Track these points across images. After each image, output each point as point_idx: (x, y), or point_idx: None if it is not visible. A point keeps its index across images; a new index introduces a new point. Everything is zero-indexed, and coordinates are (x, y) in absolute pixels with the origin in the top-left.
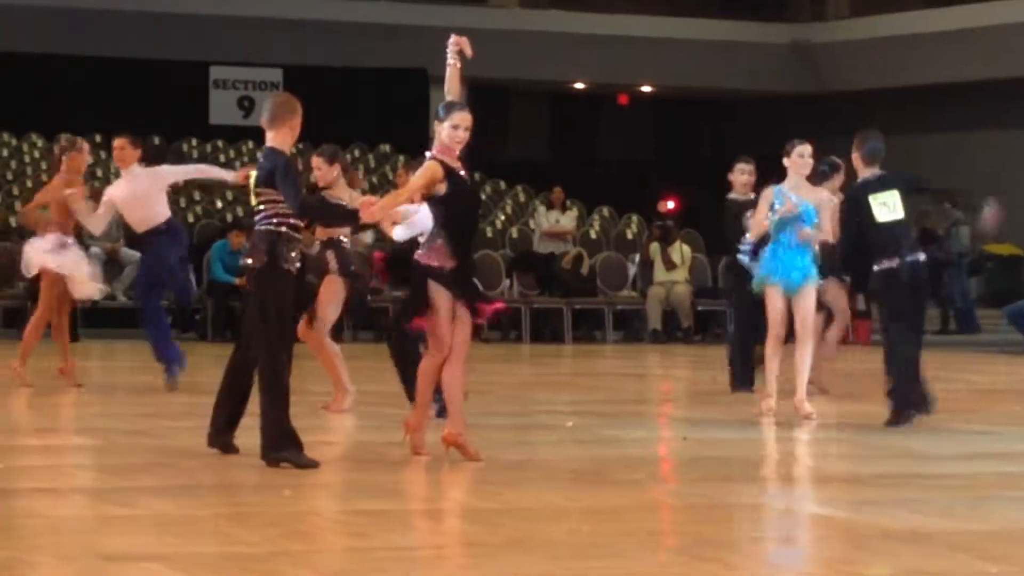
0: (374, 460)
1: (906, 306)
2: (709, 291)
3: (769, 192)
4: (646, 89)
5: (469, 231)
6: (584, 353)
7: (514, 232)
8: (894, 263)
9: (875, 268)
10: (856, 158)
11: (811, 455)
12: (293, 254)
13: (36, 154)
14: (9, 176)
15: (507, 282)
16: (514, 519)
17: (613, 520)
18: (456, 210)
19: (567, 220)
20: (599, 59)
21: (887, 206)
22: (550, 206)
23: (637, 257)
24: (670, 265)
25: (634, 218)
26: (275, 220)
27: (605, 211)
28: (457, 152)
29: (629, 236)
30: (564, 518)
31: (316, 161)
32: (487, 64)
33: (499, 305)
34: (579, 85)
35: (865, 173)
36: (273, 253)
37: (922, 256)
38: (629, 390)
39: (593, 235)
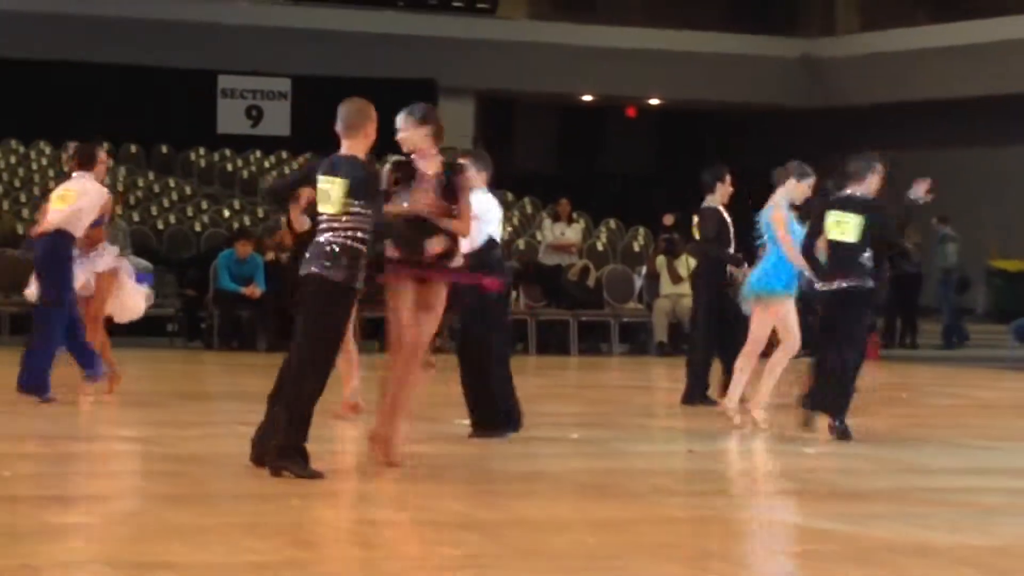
0: (382, 470)
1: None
2: None
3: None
4: (654, 102)
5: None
6: (590, 365)
7: (520, 244)
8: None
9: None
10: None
11: (817, 469)
12: (362, 275)
13: (43, 161)
14: (16, 183)
15: (513, 294)
16: (520, 530)
17: (619, 532)
18: None
19: (572, 233)
20: (607, 71)
21: (840, 225)
22: (556, 218)
23: (643, 269)
24: (676, 278)
25: (640, 231)
26: (358, 235)
27: (612, 223)
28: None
29: (635, 248)
30: (570, 530)
31: None
32: (494, 75)
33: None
34: (587, 97)
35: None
36: (351, 271)
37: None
38: (635, 402)
39: (600, 247)
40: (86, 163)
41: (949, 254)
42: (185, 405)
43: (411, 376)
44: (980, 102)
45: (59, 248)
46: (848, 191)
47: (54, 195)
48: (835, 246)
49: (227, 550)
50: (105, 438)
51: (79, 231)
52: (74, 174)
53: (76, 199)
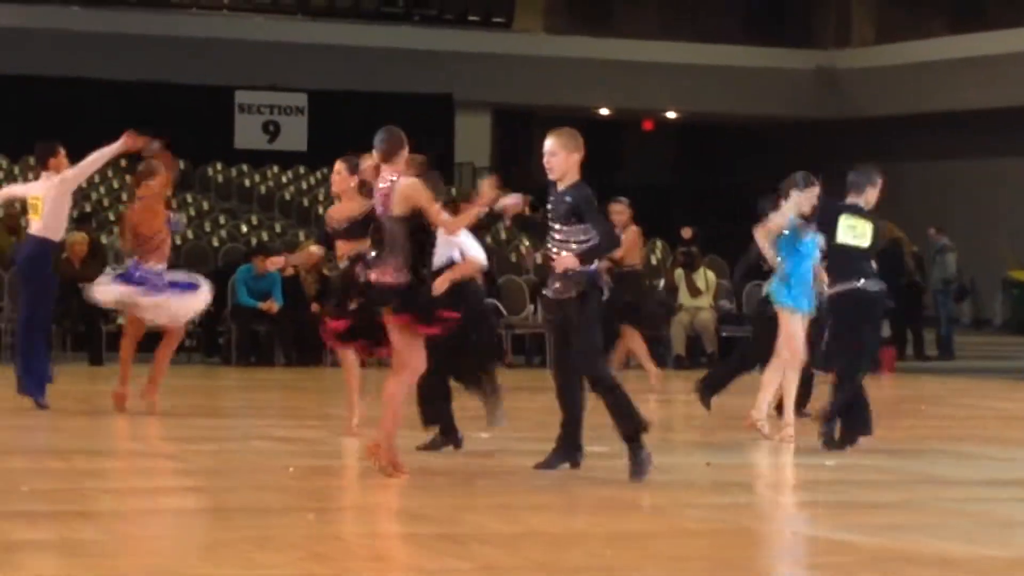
0: (396, 483)
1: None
2: (733, 317)
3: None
4: (670, 115)
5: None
6: None
7: (538, 257)
8: (849, 286)
9: (831, 290)
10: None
11: (834, 480)
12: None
13: None
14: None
15: (531, 307)
16: (537, 544)
17: (636, 545)
18: (418, 227)
19: None
20: (624, 85)
21: (854, 229)
22: None
23: (661, 283)
24: (694, 291)
25: (658, 244)
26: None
27: None
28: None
29: (653, 262)
30: (587, 542)
31: (339, 166)
32: (511, 89)
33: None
34: (604, 111)
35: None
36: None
37: (881, 285)
38: (653, 415)
39: None
40: (42, 162)
41: (948, 264)
42: (202, 420)
43: (401, 390)
44: (995, 113)
45: (39, 256)
46: (849, 201)
47: (28, 204)
48: (846, 250)
49: (242, 564)
50: (122, 453)
51: (58, 236)
52: (43, 175)
53: (44, 207)
